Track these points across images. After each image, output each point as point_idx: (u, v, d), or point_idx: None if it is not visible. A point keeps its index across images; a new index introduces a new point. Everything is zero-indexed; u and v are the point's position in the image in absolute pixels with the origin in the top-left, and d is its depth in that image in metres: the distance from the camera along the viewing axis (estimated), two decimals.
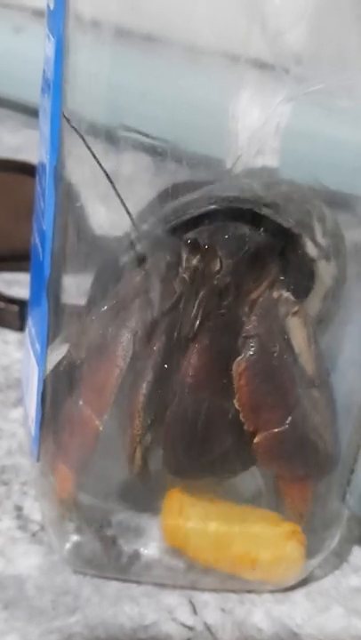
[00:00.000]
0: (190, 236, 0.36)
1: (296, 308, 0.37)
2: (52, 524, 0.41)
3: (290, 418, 0.36)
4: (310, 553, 0.40)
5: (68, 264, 0.35)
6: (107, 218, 0.38)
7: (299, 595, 0.42)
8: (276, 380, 0.36)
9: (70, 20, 0.34)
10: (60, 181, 0.32)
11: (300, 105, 0.40)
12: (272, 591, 0.42)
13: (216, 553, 0.40)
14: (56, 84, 0.30)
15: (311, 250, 0.38)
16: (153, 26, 0.38)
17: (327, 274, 0.39)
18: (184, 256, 0.36)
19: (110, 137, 0.35)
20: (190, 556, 0.40)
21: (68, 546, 0.40)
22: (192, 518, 0.40)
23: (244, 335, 0.35)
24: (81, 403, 0.37)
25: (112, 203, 0.36)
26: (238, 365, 0.35)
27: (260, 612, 0.41)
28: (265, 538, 0.40)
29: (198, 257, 0.35)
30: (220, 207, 0.36)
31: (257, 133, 0.41)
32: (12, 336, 0.58)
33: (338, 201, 0.42)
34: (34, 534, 0.43)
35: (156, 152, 0.34)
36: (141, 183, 0.39)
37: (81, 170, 0.38)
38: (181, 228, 0.37)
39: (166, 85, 0.36)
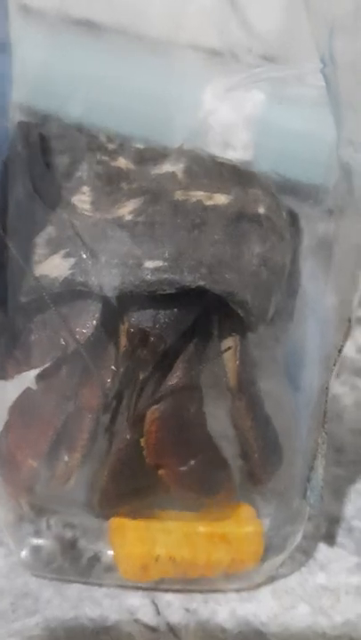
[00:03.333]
0: (130, 320, 0.35)
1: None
2: (8, 527, 0.40)
3: (192, 461, 0.37)
4: (273, 551, 0.40)
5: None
6: None
7: (265, 593, 0.41)
8: (185, 433, 0.37)
9: (12, 9, 0.33)
10: None
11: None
12: (237, 590, 0.41)
13: (180, 569, 0.39)
14: None
15: (260, 329, 0.37)
16: (102, 15, 0.37)
17: None
18: (123, 338, 0.36)
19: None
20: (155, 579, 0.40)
21: (25, 550, 0.40)
22: (150, 544, 0.39)
23: (161, 392, 0.36)
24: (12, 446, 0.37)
25: None
26: (152, 413, 0.36)
27: (225, 611, 0.40)
28: (226, 539, 0.39)
29: (137, 341, 0.35)
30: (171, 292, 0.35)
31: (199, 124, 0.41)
32: None
33: (300, 192, 0.41)
34: None
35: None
36: None
37: None
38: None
39: (114, 74, 0.35)
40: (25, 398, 0.37)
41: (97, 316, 0.35)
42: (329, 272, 0.37)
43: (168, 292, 0.34)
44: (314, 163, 0.39)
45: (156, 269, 0.34)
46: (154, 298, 0.35)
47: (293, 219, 0.41)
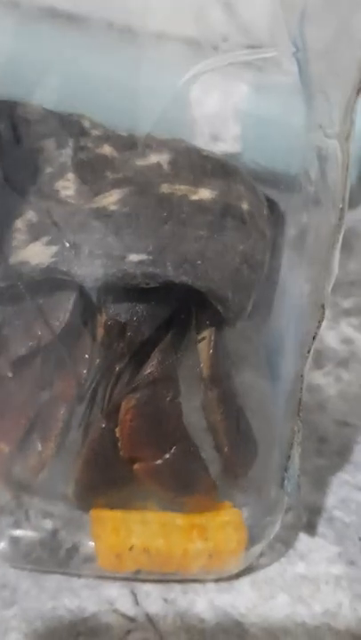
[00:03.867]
0: (109, 312, 0.35)
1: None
2: None
3: (167, 455, 0.37)
4: (252, 541, 0.40)
5: None
6: None
7: (244, 583, 0.41)
8: (160, 422, 0.37)
9: None
10: None
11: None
12: (216, 580, 0.41)
13: (155, 560, 0.39)
14: None
15: (224, 311, 0.37)
16: (74, 4, 0.37)
17: None
18: (100, 329, 0.36)
19: None
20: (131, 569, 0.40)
21: (3, 542, 0.40)
22: (125, 534, 0.39)
23: (138, 380, 0.36)
24: None
25: None
26: (128, 402, 0.36)
27: (204, 601, 0.40)
28: (205, 529, 0.39)
29: (114, 334, 0.35)
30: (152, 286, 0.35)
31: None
32: None
33: (280, 182, 0.41)
34: None
35: None
36: None
37: None
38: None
39: (84, 63, 0.35)
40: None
41: (73, 306, 0.35)
42: (302, 260, 0.37)
43: (151, 285, 0.34)
44: (291, 151, 0.39)
45: (140, 263, 0.34)
46: (133, 290, 0.35)
47: (274, 210, 0.41)
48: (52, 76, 0.34)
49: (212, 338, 0.37)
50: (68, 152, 0.37)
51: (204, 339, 0.37)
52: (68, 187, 0.36)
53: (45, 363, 0.36)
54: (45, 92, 0.35)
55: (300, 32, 0.32)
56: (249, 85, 0.41)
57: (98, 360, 0.36)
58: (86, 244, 0.34)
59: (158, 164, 0.38)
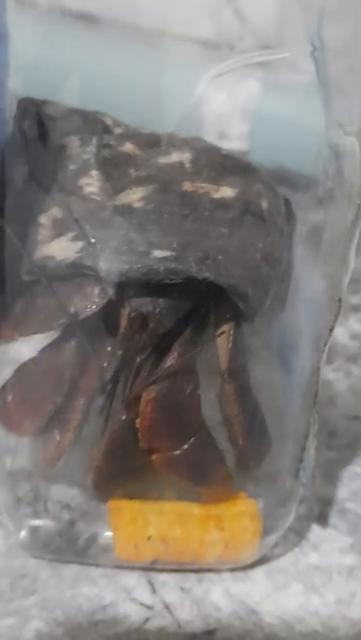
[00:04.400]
0: (132, 305, 0.36)
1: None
2: (7, 509, 0.41)
3: (186, 445, 0.37)
4: (267, 531, 0.41)
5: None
6: None
7: (258, 573, 0.42)
8: (179, 414, 0.37)
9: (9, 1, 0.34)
10: None
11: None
12: (231, 570, 0.42)
13: (172, 550, 0.40)
14: None
15: (244, 307, 0.38)
16: (96, 6, 0.38)
17: None
18: (124, 321, 0.36)
19: None
20: (148, 560, 0.41)
21: (24, 531, 0.40)
22: (143, 524, 0.40)
23: (158, 372, 0.37)
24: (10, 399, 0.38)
25: None
26: (148, 394, 0.37)
27: (219, 590, 0.41)
28: (221, 519, 0.40)
29: (137, 325, 0.36)
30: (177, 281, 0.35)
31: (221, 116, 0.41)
32: None
33: (293, 181, 0.42)
34: None
35: None
36: None
37: None
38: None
39: (108, 65, 0.36)
40: (27, 369, 0.38)
41: (98, 299, 0.36)
42: (318, 255, 0.37)
43: (174, 281, 0.35)
44: (306, 150, 0.39)
45: (164, 259, 0.35)
46: (156, 284, 0.36)
47: (287, 207, 0.42)
48: (74, 76, 0.35)
49: (231, 332, 0.37)
50: (91, 149, 0.38)
51: (223, 333, 0.37)
52: (91, 183, 0.37)
53: (69, 353, 0.37)
54: (68, 93, 0.35)
55: (319, 31, 0.32)
56: (261, 83, 0.42)
57: (120, 352, 0.36)
58: (111, 239, 0.35)
59: (180, 163, 0.39)
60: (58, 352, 0.37)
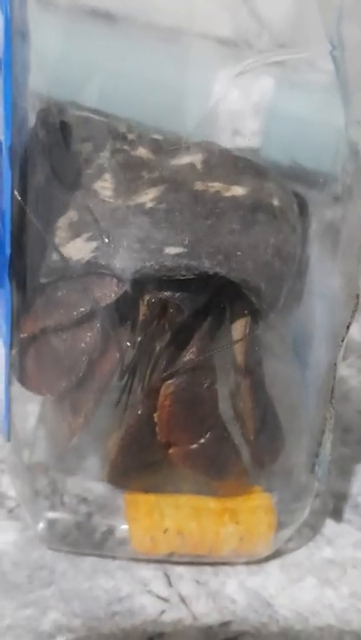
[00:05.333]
0: (150, 293, 0.37)
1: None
2: (25, 502, 0.41)
3: (203, 439, 0.38)
4: (282, 525, 0.41)
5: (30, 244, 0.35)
6: None
7: (273, 566, 0.42)
8: (197, 408, 0.38)
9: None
10: (16, 162, 0.32)
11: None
12: (246, 563, 0.42)
13: (189, 543, 0.41)
14: (6, 63, 0.30)
15: (258, 302, 0.38)
16: (115, 4, 0.38)
17: None
18: (143, 307, 0.37)
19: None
20: (164, 552, 0.41)
21: (42, 524, 0.41)
22: (159, 517, 0.40)
23: (178, 365, 0.37)
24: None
25: None
26: (167, 387, 0.37)
27: (235, 583, 0.41)
28: (236, 512, 0.40)
29: (156, 312, 0.37)
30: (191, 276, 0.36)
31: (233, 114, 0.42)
32: None
33: (309, 178, 0.42)
34: (10, 510, 0.43)
35: None
36: None
37: None
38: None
39: (128, 63, 0.36)
40: (48, 342, 0.38)
41: (117, 287, 0.36)
42: (336, 252, 0.38)
43: (186, 277, 0.36)
44: (323, 148, 0.40)
45: (176, 255, 0.35)
46: (172, 280, 0.36)
47: (302, 205, 0.42)
48: (94, 75, 0.35)
49: (247, 328, 0.38)
50: (105, 154, 0.38)
51: (241, 326, 0.38)
52: (106, 187, 0.37)
53: (90, 335, 0.37)
54: (88, 92, 0.36)
55: (338, 30, 0.33)
56: (275, 81, 0.42)
57: (139, 338, 0.37)
58: (125, 238, 0.35)
59: (192, 164, 0.39)
60: (79, 333, 0.37)
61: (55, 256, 0.36)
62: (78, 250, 0.36)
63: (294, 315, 0.42)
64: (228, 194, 0.38)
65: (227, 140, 0.43)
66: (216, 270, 0.36)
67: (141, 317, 0.36)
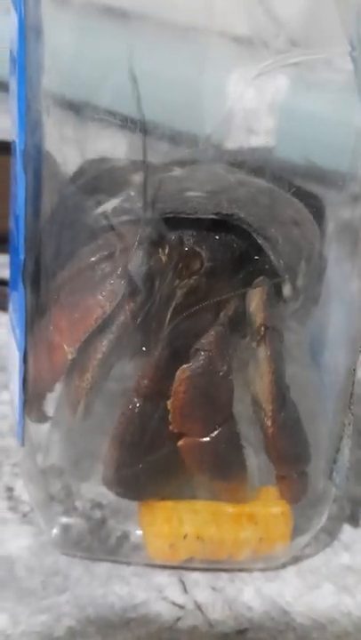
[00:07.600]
0: (176, 234, 0.37)
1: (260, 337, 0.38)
2: (39, 507, 0.41)
3: (215, 433, 0.37)
4: (299, 531, 0.40)
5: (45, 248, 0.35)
6: None
7: (290, 573, 0.42)
8: (212, 396, 0.37)
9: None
10: (30, 165, 0.31)
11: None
12: (263, 569, 0.42)
13: (208, 548, 0.40)
14: (20, 63, 0.30)
15: (287, 291, 0.38)
16: (130, 2, 0.38)
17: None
18: (166, 251, 0.37)
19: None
20: (183, 558, 0.41)
21: (56, 529, 0.41)
22: (177, 523, 0.39)
23: (196, 347, 0.37)
24: (52, 328, 0.38)
25: None
26: (182, 372, 0.37)
27: (251, 590, 0.41)
28: (253, 519, 0.40)
29: (181, 253, 0.37)
30: (221, 218, 0.37)
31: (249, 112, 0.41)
32: (4, 318, 0.58)
33: (325, 178, 0.41)
34: (24, 515, 0.43)
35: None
36: None
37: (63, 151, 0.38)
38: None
39: (141, 61, 0.36)
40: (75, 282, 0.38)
41: (141, 231, 0.37)
42: (355, 253, 0.37)
43: (206, 216, 0.36)
44: (340, 148, 0.39)
45: (197, 197, 0.37)
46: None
47: (319, 206, 0.42)
48: (111, 75, 0.35)
49: (266, 291, 0.38)
50: None
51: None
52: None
53: (110, 280, 0.37)
54: (105, 92, 0.35)
55: (357, 31, 0.32)
56: (290, 79, 0.42)
57: (158, 282, 0.37)
58: (149, 190, 0.37)
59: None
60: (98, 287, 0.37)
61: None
62: (111, 204, 0.38)
63: (312, 318, 0.42)
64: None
65: (242, 140, 0.43)
66: (235, 211, 0.37)
67: (164, 259, 0.37)
